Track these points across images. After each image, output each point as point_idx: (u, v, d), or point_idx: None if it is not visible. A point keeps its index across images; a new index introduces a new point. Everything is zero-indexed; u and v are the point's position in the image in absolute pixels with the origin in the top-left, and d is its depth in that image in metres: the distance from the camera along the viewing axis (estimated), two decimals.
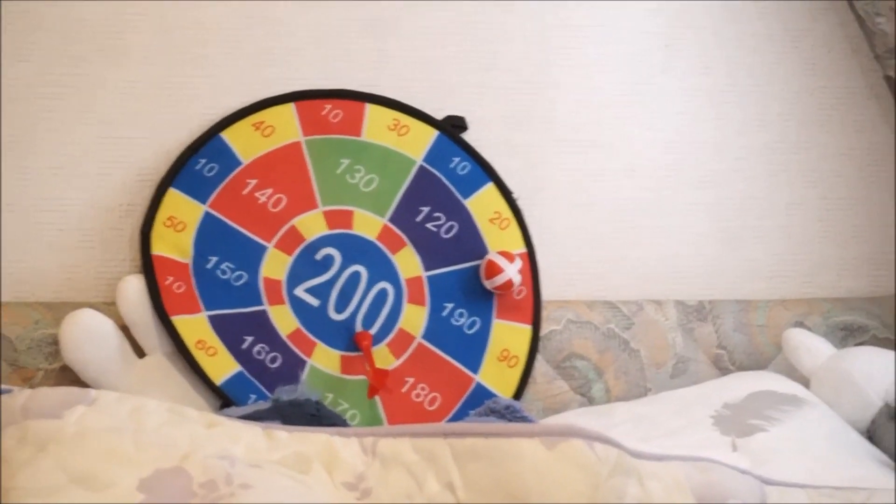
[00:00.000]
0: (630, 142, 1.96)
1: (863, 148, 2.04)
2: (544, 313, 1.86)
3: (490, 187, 1.84)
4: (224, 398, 1.69)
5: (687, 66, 1.98)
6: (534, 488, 1.13)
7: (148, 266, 1.68)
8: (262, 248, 1.73)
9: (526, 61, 1.93)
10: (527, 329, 1.83)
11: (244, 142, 1.76)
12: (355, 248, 1.78)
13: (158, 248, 1.68)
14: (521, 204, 1.86)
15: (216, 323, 1.69)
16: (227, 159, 1.74)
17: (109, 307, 1.69)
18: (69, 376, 1.64)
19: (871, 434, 1.84)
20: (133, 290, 1.67)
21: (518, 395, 1.81)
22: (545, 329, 1.87)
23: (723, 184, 1.99)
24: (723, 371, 1.93)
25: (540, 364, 1.85)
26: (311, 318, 1.74)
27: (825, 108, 2.03)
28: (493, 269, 1.77)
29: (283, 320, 1.72)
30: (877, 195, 2.04)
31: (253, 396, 1.68)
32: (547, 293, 1.86)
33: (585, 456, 1.16)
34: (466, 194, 1.83)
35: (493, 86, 1.91)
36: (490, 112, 1.91)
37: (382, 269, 1.78)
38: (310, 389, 1.61)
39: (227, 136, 1.75)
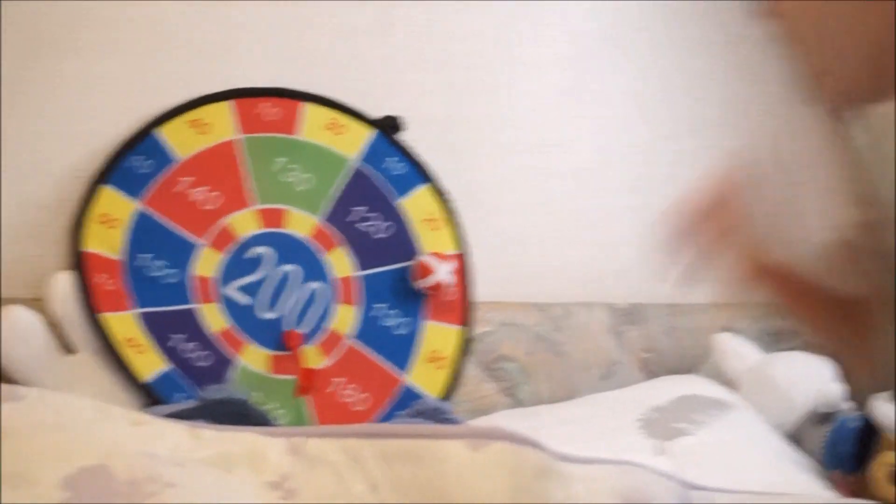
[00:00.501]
0: (564, 145, 2.04)
1: (796, 154, 2.11)
2: (476, 315, 1.92)
3: (425, 188, 1.90)
4: (152, 396, 1.72)
5: (623, 70, 2.05)
6: (457, 489, 1.17)
7: (79, 263, 1.71)
8: (195, 246, 1.77)
9: (464, 63, 2.00)
10: (456, 330, 1.89)
11: (180, 139, 1.80)
12: (288, 248, 1.82)
13: (90, 245, 1.71)
14: (455, 206, 1.92)
15: (146, 320, 1.73)
16: (163, 156, 1.78)
17: (39, 304, 1.70)
18: None
19: (796, 439, 1.94)
20: (63, 286, 1.69)
21: (446, 396, 1.87)
22: (476, 330, 1.93)
23: (655, 188, 2.03)
24: (651, 374, 2.01)
25: (469, 365, 1.92)
26: (242, 317, 1.78)
27: (759, 114, 2.10)
28: (425, 271, 1.84)
29: (214, 318, 1.77)
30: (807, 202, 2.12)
31: (180, 395, 1.72)
32: (479, 295, 1.93)
33: (510, 458, 1.20)
34: (401, 195, 1.89)
35: (431, 87, 1.98)
36: (428, 113, 1.97)
37: (314, 268, 1.83)
38: (237, 389, 1.67)
39: (162, 133, 1.79)
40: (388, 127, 1.91)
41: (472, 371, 1.92)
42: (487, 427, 1.46)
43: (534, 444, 1.23)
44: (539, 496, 1.19)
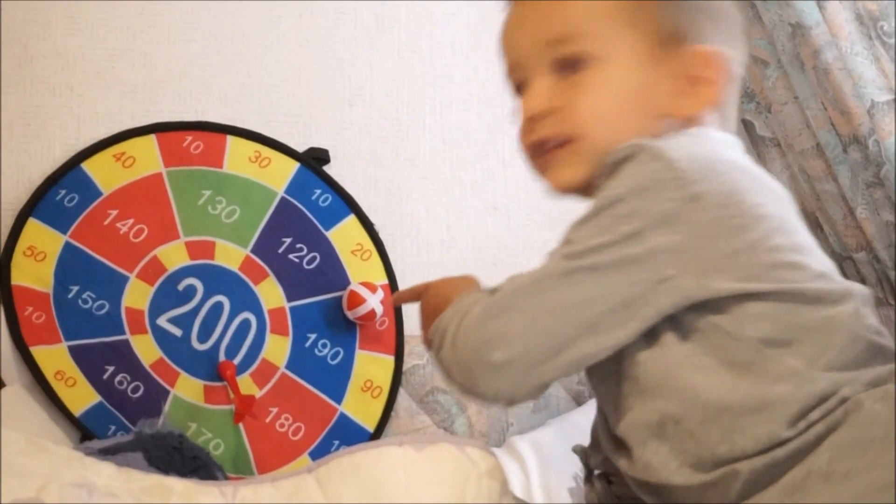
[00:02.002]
0: (492, 179, 2.24)
1: None
2: (407, 348, 2.09)
3: (351, 219, 2.08)
4: (84, 430, 1.86)
5: None
6: (402, 486, 1.28)
7: (7, 296, 1.85)
8: (124, 278, 1.93)
9: (390, 99, 2.20)
10: (390, 360, 2.06)
11: (105, 173, 1.95)
12: (218, 279, 1.98)
13: (18, 279, 1.86)
14: (383, 238, 2.10)
15: (76, 353, 1.87)
16: (88, 190, 1.93)
17: None
18: None
19: None
20: None
21: (381, 425, 2.03)
22: (408, 363, 2.09)
23: None
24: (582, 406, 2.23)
25: (403, 398, 2.08)
26: (174, 348, 1.94)
27: None
28: (356, 300, 2.00)
29: (146, 350, 1.91)
30: None
31: (112, 427, 1.86)
32: (410, 328, 2.10)
33: (455, 457, 1.31)
34: (328, 226, 2.06)
35: (357, 122, 2.17)
36: (354, 147, 2.16)
37: (245, 299, 1.99)
38: (172, 421, 1.80)
39: (87, 166, 1.95)
40: (314, 160, 2.09)
41: (405, 403, 2.08)
42: (431, 433, 1.61)
43: (475, 445, 1.35)
44: (484, 493, 1.31)
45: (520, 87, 1.32)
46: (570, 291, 1.12)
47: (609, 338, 1.12)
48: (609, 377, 1.18)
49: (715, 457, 1.08)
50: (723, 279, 1.10)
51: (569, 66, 1.26)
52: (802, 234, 1.16)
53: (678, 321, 1.12)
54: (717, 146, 1.19)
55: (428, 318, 1.35)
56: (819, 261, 1.14)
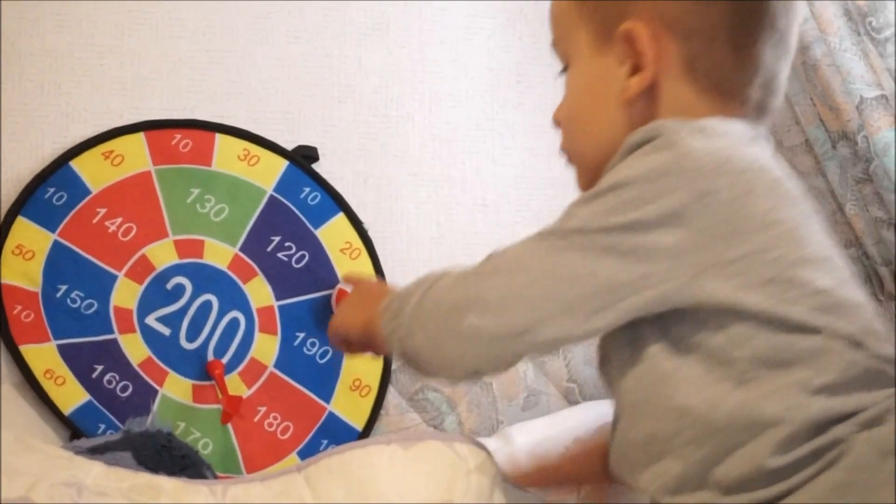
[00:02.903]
0: (481, 176, 2.25)
1: None
2: None
3: (341, 217, 2.09)
4: (73, 429, 1.89)
5: (537, 103, 2.27)
6: (390, 483, 1.29)
7: None
8: (113, 277, 1.94)
9: (379, 95, 2.22)
10: (379, 358, 2.07)
11: (93, 171, 1.97)
12: (206, 278, 2.00)
13: (6, 277, 1.88)
14: (372, 236, 2.12)
15: (65, 352, 1.90)
16: (76, 188, 1.95)
17: None
18: None
19: None
20: None
21: (370, 424, 2.05)
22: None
23: None
24: (573, 404, 2.20)
25: (392, 396, 2.10)
26: (163, 347, 1.96)
27: None
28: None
29: (135, 349, 1.94)
30: None
31: (102, 426, 1.89)
32: None
33: (443, 454, 1.32)
34: (317, 224, 2.07)
35: (345, 119, 2.18)
36: (343, 144, 2.18)
37: (234, 298, 2.01)
38: (161, 421, 1.80)
39: (76, 165, 1.96)
40: (302, 157, 2.11)
41: (395, 401, 2.10)
42: (419, 432, 1.62)
43: (463, 441, 1.36)
44: (474, 489, 1.32)
45: None
46: (557, 265, 1.12)
47: (580, 324, 1.12)
48: (612, 392, 1.21)
49: (698, 479, 1.10)
50: (714, 285, 1.10)
51: (564, 68, 1.36)
52: (814, 244, 1.15)
53: (667, 335, 1.13)
54: (735, 140, 1.18)
55: (352, 308, 1.45)
56: (828, 274, 1.13)
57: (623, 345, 1.18)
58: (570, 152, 1.36)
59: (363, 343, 1.42)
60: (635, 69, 1.25)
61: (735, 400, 1.08)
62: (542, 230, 1.16)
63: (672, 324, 1.13)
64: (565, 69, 1.37)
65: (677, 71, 1.25)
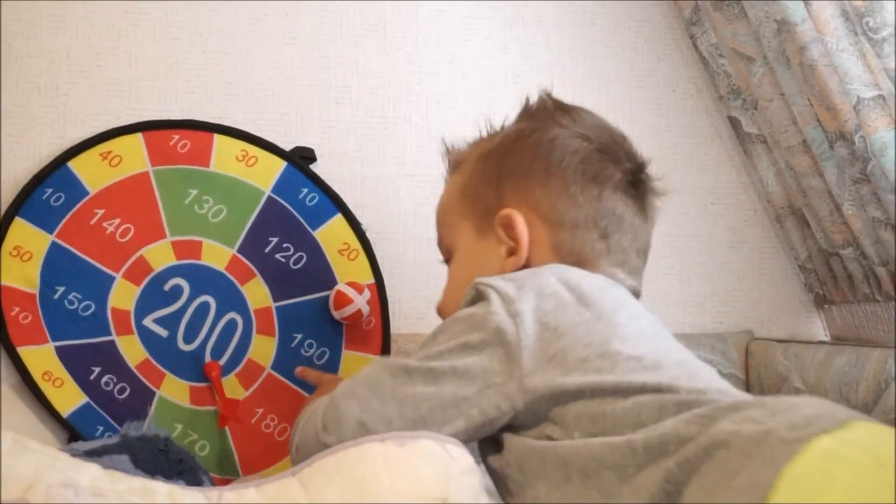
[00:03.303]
0: None
1: (706, 187, 2.36)
2: (394, 347, 2.10)
3: (338, 218, 2.09)
4: (71, 431, 1.89)
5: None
6: (385, 482, 1.28)
7: None
8: (110, 279, 1.95)
9: (376, 96, 2.22)
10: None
11: (91, 172, 1.98)
12: (204, 279, 2.00)
13: (4, 278, 1.89)
14: (370, 237, 2.12)
15: (63, 354, 1.90)
16: (74, 189, 1.96)
17: None
18: None
19: None
20: None
21: None
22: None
23: None
24: None
25: None
26: (160, 349, 1.96)
27: (669, 147, 2.34)
28: (343, 300, 2.01)
29: (132, 351, 1.94)
30: (720, 233, 2.36)
31: (100, 428, 1.90)
32: (396, 326, 2.12)
33: (436, 453, 1.32)
34: (315, 225, 2.07)
35: (343, 120, 2.19)
36: (340, 145, 2.19)
37: (231, 299, 2.01)
38: (158, 423, 1.82)
39: (74, 165, 1.97)
40: (300, 158, 2.11)
41: None
42: (412, 431, 1.62)
43: (453, 443, 1.36)
44: (467, 489, 1.31)
45: None
46: (406, 387, 1.39)
47: (436, 431, 1.36)
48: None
49: None
50: (540, 379, 1.33)
51: (447, 261, 1.71)
52: (628, 322, 1.42)
53: (519, 441, 1.36)
54: (545, 273, 1.45)
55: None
56: (638, 345, 1.37)
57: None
58: (446, 314, 1.64)
59: None
60: (511, 252, 1.56)
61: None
62: (389, 367, 1.42)
63: (520, 428, 1.37)
64: (448, 261, 1.70)
65: (546, 250, 1.55)
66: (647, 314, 1.52)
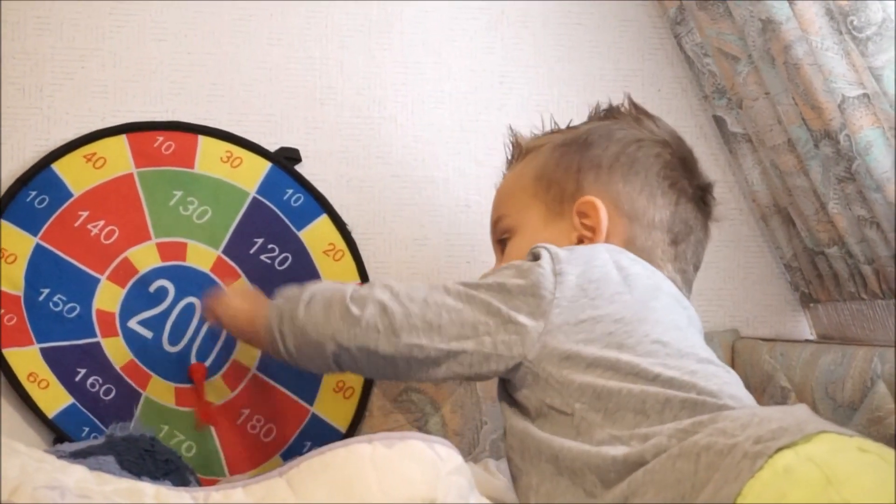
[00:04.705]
0: (465, 178, 2.26)
1: None
2: None
3: (324, 219, 2.09)
4: (57, 432, 1.90)
5: (520, 104, 2.27)
6: (373, 483, 1.31)
7: None
8: (95, 281, 1.96)
9: (362, 97, 2.22)
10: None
11: (75, 174, 1.98)
12: (189, 280, 2.00)
13: None
14: (356, 237, 2.13)
15: (48, 355, 1.91)
16: (58, 191, 1.96)
17: None
18: None
19: None
20: None
21: (354, 426, 2.06)
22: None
23: None
24: None
25: (376, 398, 2.10)
26: (145, 351, 1.97)
27: None
28: None
29: (117, 352, 1.95)
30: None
31: (86, 429, 1.91)
32: None
33: (425, 453, 1.34)
34: (300, 226, 2.08)
35: (328, 120, 2.20)
36: (325, 146, 2.19)
37: None
38: (144, 425, 1.83)
39: (58, 167, 1.97)
40: (285, 159, 2.11)
41: (378, 403, 2.11)
42: (400, 432, 1.63)
43: (442, 443, 1.40)
44: (455, 489, 1.34)
45: None
46: (438, 295, 1.48)
47: (440, 344, 1.46)
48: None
49: None
50: (562, 339, 1.40)
51: (503, 241, 1.76)
52: (664, 309, 1.49)
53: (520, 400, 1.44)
54: (600, 248, 1.55)
55: (240, 300, 1.82)
56: (667, 331, 1.43)
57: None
58: None
59: (239, 330, 1.79)
60: (581, 240, 1.62)
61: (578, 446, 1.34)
62: (431, 283, 1.54)
63: (522, 389, 1.45)
64: (503, 241, 1.76)
65: (619, 243, 1.60)
66: (688, 310, 1.58)
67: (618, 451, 1.27)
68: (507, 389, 1.50)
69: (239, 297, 1.83)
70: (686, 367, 1.37)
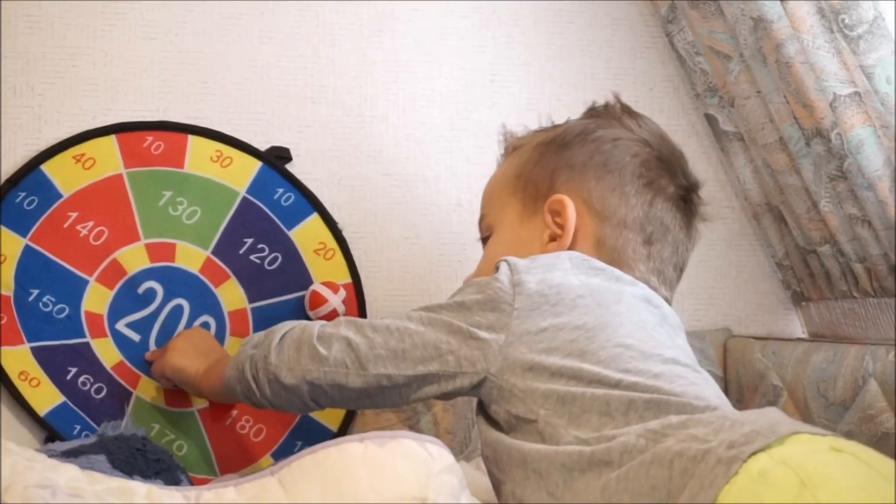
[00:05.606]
0: (456, 176, 2.27)
1: None
2: None
3: (314, 218, 2.09)
4: (49, 430, 1.91)
5: (511, 102, 2.28)
6: (365, 481, 1.30)
7: None
8: (84, 282, 1.96)
9: (353, 96, 2.23)
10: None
11: (65, 174, 1.98)
12: (178, 282, 2.01)
13: None
14: (347, 236, 2.13)
15: (39, 354, 1.91)
16: (47, 192, 1.96)
17: None
18: None
19: None
20: None
21: (346, 425, 2.06)
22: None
23: None
24: None
25: None
26: (134, 353, 1.97)
27: None
28: (318, 300, 2.03)
29: (107, 353, 1.95)
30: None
31: (78, 427, 1.92)
32: None
33: (416, 452, 1.34)
34: (291, 225, 2.08)
35: (319, 119, 2.20)
36: (316, 145, 2.19)
37: (205, 302, 2.02)
38: (135, 424, 1.82)
39: (47, 168, 1.97)
40: (275, 158, 2.11)
41: None
42: (392, 431, 1.64)
43: (433, 442, 1.40)
44: (446, 488, 1.34)
45: None
46: (403, 323, 1.50)
47: (406, 370, 1.49)
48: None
49: None
50: (524, 350, 1.42)
51: (486, 239, 1.79)
52: (628, 311, 1.50)
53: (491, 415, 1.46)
54: (562, 255, 1.56)
55: (188, 355, 1.88)
56: (631, 333, 1.45)
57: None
58: None
59: (186, 383, 1.87)
60: (553, 238, 1.64)
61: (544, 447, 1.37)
62: (394, 313, 1.60)
63: (490, 403, 1.47)
64: (485, 239, 1.79)
65: (589, 242, 1.63)
66: (660, 309, 1.58)
67: (583, 448, 1.28)
68: (482, 406, 1.51)
69: (183, 357, 1.88)
70: (650, 371, 1.38)
